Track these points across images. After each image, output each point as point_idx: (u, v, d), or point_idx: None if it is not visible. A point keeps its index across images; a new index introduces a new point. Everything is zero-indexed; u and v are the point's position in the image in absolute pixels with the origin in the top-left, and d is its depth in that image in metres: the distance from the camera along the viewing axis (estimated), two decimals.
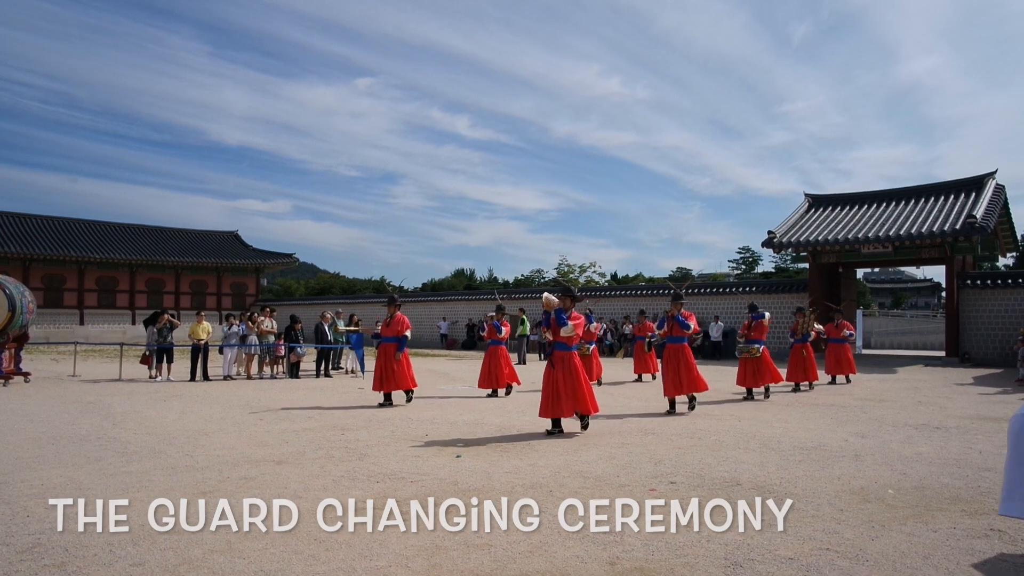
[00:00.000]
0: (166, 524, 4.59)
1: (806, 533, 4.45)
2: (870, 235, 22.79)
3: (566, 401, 8.14)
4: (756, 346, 12.04)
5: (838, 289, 26.18)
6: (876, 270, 75.09)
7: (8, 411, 10.38)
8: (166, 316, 16.77)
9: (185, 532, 4.42)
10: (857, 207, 26.10)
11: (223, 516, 4.77)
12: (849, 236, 23.20)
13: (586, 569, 3.80)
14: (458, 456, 6.97)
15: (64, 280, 39.06)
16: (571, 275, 54.18)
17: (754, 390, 12.19)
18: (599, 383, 14.81)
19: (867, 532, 4.48)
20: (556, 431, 8.24)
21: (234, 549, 4.10)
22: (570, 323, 8.16)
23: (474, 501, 5.22)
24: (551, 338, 8.40)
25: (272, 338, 17.49)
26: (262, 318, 17.62)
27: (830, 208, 26.74)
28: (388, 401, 11.19)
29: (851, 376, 15.52)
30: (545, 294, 8.60)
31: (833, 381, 15.22)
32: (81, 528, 4.48)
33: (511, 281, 66.64)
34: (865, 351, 30.61)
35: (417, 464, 6.56)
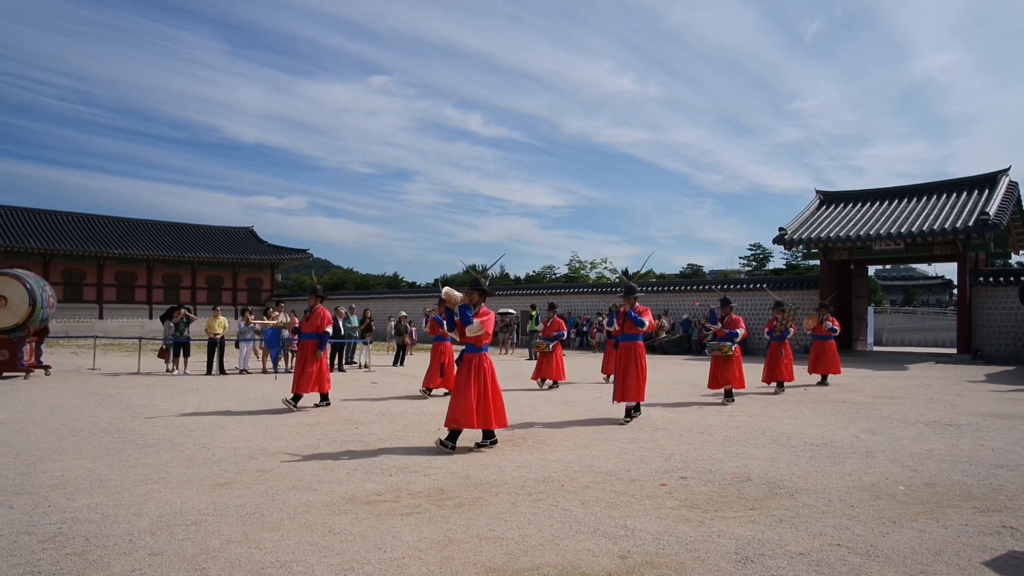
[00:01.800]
0: (183, 515, 4.69)
1: (816, 529, 4.47)
2: (882, 232, 22.63)
3: (474, 412, 7.02)
4: (728, 344, 11.08)
5: (849, 286, 26.03)
6: (888, 267, 74.41)
7: (29, 403, 10.55)
8: (183, 311, 16.95)
9: (202, 523, 4.51)
10: (869, 204, 25.92)
11: (239, 507, 4.88)
12: (861, 233, 23.04)
13: (597, 562, 3.84)
14: (470, 450, 7.02)
15: (83, 275, 39.50)
16: (582, 271, 54.18)
17: (713, 390, 11.31)
18: (555, 385, 13.62)
19: (878, 528, 4.50)
20: (450, 444, 7.03)
21: (250, 540, 4.18)
22: (476, 321, 7.13)
23: (485, 494, 5.28)
24: (458, 338, 7.44)
25: (286, 333, 17.63)
26: (276, 313, 17.76)
27: (842, 205, 26.58)
28: (294, 403, 10.13)
29: (829, 376, 14.31)
30: (445, 289, 7.51)
31: (824, 380, 14.25)
32: (101, 518, 4.59)
33: (522, 277, 66.65)
34: (876, 348, 30.44)
35: (429, 458, 6.63)
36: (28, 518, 4.59)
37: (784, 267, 52.23)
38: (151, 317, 39.61)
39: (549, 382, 13.66)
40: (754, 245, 58.25)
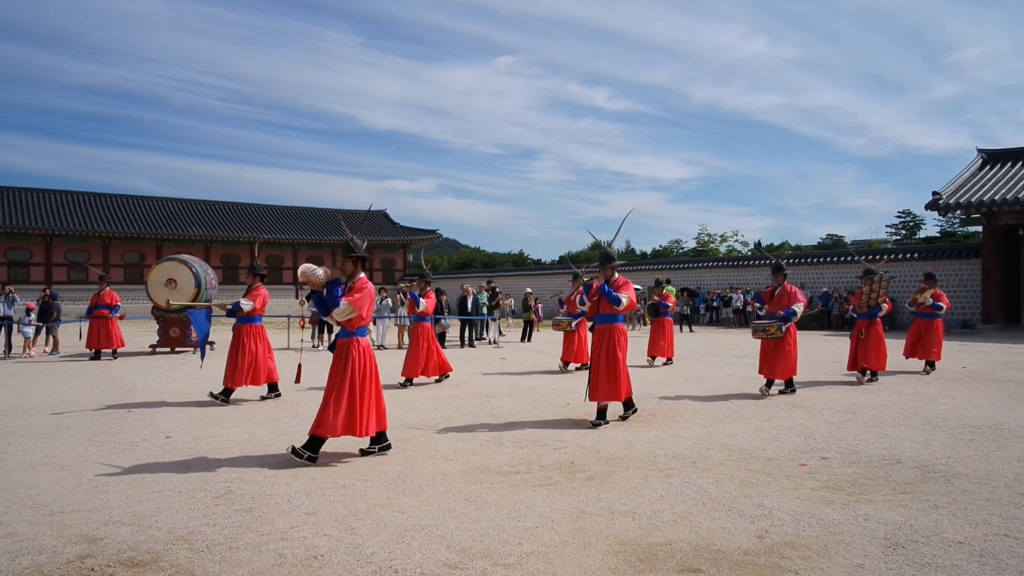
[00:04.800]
0: (333, 478, 5.06)
1: (979, 517, 4.13)
2: None
3: (343, 415, 5.60)
4: (781, 324, 8.96)
5: (1018, 254, 23.49)
6: None
7: (198, 375, 11.70)
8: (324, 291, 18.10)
9: (350, 487, 4.84)
10: None
11: (383, 473, 5.19)
12: None
13: (733, 541, 3.77)
14: (599, 424, 7.05)
15: (239, 259, 43.04)
16: (711, 245, 52.38)
17: (775, 381, 9.14)
18: (570, 367, 12.23)
19: None
20: (306, 454, 5.53)
21: (394, 504, 4.44)
22: (344, 301, 5.62)
23: (616, 468, 5.30)
24: (334, 323, 5.92)
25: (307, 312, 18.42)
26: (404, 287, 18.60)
27: (1009, 164, 23.91)
28: (224, 396, 8.70)
29: (934, 364, 11.55)
30: (303, 267, 5.88)
31: (930, 366, 11.50)
32: (263, 479, 5.04)
33: (648, 252, 65.45)
34: None
35: (559, 431, 6.72)
36: (203, 477, 5.12)
37: (939, 235, 47.92)
38: (296, 297, 42.53)
39: (574, 366, 12.24)
40: (903, 212, 53.72)
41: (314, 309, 5.87)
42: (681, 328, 24.38)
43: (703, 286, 30.35)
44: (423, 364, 10.24)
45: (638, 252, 69.52)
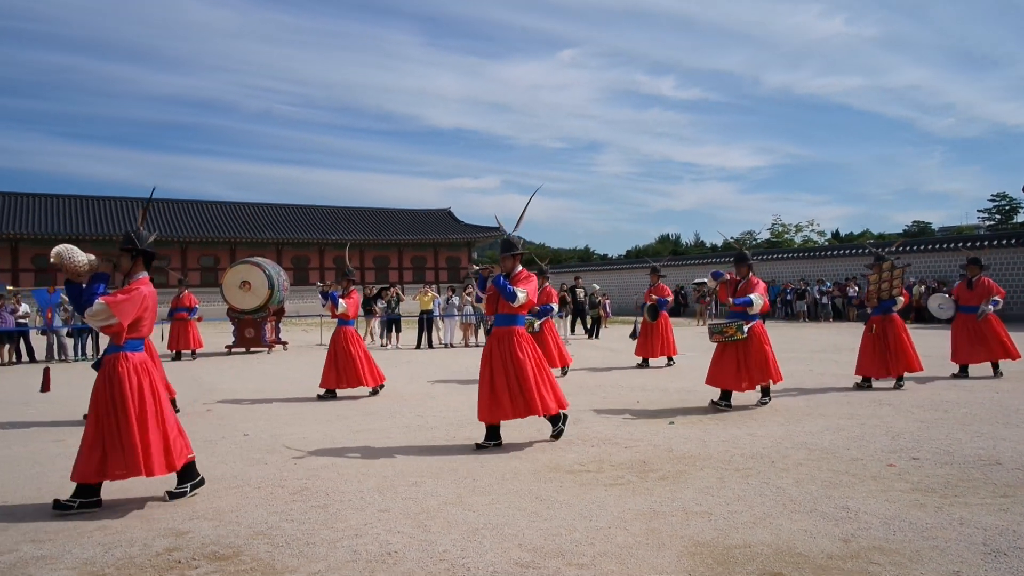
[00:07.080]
0: (405, 476, 5.11)
1: None
2: None
3: (106, 452, 4.40)
4: (742, 323, 7.56)
5: None
6: None
7: (273, 375, 12.09)
8: (394, 290, 18.46)
9: (421, 484, 4.87)
10: None
11: (453, 471, 5.21)
12: None
13: (815, 544, 3.60)
14: (671, 423, 6.90)
15: (308, 260, 44.35)
16: (786, 235, 50.76)
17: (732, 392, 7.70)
18: (564, 372, 10.72)
19: None
20: (88, 502, 4.40)
21: (464, 502, 4.44)
22: (101, 302, 4.35)
23: (690, 468, 5.16)
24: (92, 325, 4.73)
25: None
26: (469, 289, 18.72)
27: None
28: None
29: (1000, 364, 9.72)
30: (58, 248, 4.60)
31: (963, 372, 9.79)
32: (337, 476, 5.14)
33: (719, 245, 63.97)
34: None
35: (630, 430, 6.61)
36: (280, 474, 5.25)
37: None
38: (364, 296, 43.58)
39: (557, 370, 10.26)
40: (997, 195, 50.64)
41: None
42: None
43: (778, 279, 29.44)
44: (345, 372, 8.95)
45: (708, 245, 68.11)
